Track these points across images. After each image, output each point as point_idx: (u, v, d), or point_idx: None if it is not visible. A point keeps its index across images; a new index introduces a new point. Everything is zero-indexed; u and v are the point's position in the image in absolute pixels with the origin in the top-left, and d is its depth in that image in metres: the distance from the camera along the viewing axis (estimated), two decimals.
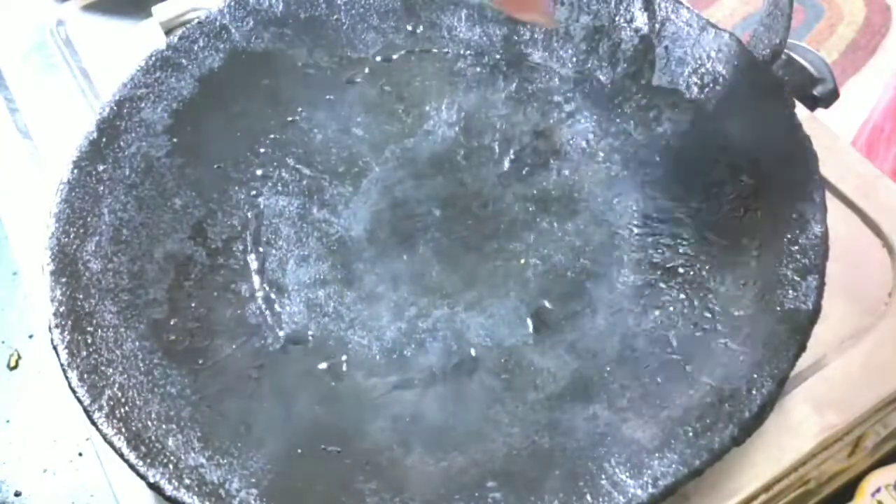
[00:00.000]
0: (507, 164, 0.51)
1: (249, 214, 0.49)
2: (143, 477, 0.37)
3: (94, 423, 0.39)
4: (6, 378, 0.61)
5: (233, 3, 0.54)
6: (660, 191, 0.47)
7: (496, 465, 0.38)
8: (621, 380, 0.41)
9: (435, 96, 0.53)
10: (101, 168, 0.47)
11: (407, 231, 0.48)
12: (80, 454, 0.57)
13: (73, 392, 0.40)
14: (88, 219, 0.46)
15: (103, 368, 0.40)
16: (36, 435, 0.58)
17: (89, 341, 0.41)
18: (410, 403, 0.42)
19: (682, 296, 0.43)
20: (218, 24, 0.53)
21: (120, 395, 0.40)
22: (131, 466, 0.37)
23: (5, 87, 0.59)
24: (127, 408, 0.39)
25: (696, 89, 0.48)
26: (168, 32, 0.56)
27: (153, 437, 0.38)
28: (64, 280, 0.43)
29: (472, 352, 0.44)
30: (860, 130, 0.79)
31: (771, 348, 0.39)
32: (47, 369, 0.62)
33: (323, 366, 0.44)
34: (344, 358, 0.44)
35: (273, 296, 0.46)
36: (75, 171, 0.47)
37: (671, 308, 0.43)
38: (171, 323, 0.44)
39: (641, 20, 0.51)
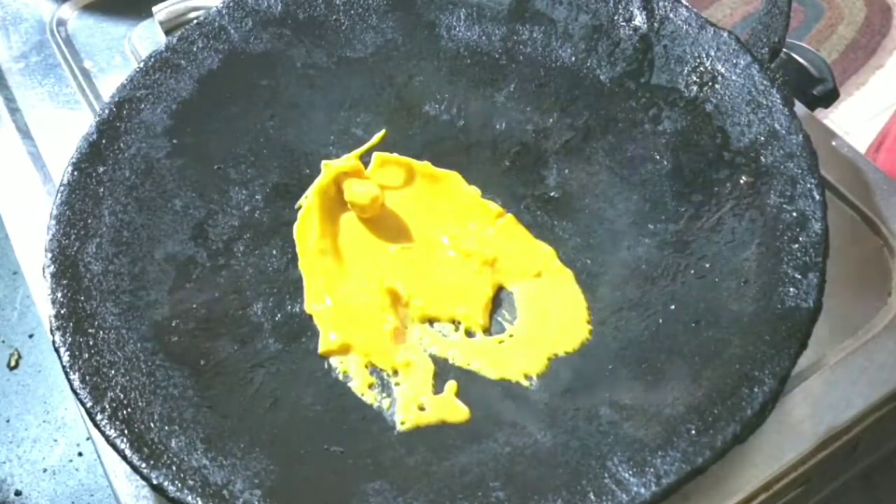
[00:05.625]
0: (507, 164, 0.51)
1: (250, 215, 0.49)
2: (146, 479, 0.37)
3: (96, 426, 0.39)
4: (6, 378, 0.61)
5: (231, 4, 0.54)
6: (659, 190, 0.48)
7: (499, 464, 0.38)
8: (623, 378, 0.41)
9: (435, 96, 0.53)
10: (101, 170, 0.47)
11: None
12: (80, 454, 0.58)
13: (76, 394, 0.40)
14: (89, 220, 0.46)
15: (105, 370, 0.40)
16: (36, 435, 0.58)
17: (91, 343, 0.41)
18: None
19: (683, 294, 0.43)
20: (217, 24, 0.53)
21: (122, 396, 0.40)
22: (135, 468, 0.37)
23: (5, 87, 0.59)
24: (129, 409, 0.39)
25: (695, 88, 0.48)
26: (168, 32, 0.56)
27: (156, 439, 0.38)
28: (65, 282, 0.43)
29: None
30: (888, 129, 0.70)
31: (772, 346, 0.39)
32: (47, 369, 0.62)
33: (326, 366, 0.44)
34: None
35: (275, 296, 0.46)
36: (75, 172, 0.47)
37: (672, 306, 0.43)
38: (173, 324, 0.44)
39: (640, 19, 0.51)
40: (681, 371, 0.40)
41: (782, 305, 0.40)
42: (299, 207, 0.49)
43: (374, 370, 0.44)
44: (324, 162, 0.50)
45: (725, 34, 0.49)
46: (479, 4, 0.55)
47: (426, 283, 0.46)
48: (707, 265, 0.44)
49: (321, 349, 0.44)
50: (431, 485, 0.38)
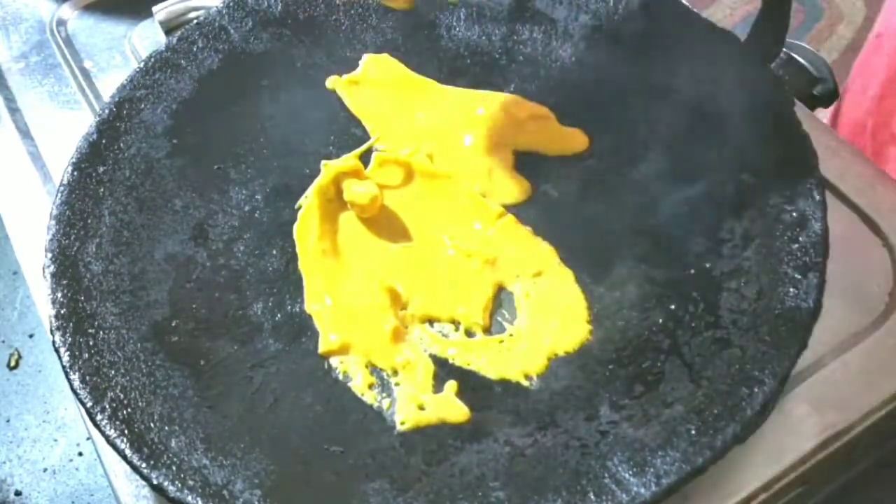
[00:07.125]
0: None
1: (250, 215, 0.49)
2: (146, 479, 0.37)
3: (96, 426, 0.39)
4: (6, 378, 0.61)
5: (231, 4, 0.54)
6: (660, 189, 0.48)
7: (499, 464, 0.38)
8: (623, 378, 0.41)
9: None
10: (101, 170, 0.48)
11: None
12: (80, 454, 0.58)
13: (76, 394, 0.40)
14: (89, 220, 0.46)
15: (105, 370, 0.41)
16: (36, 435, 0.58)
17: (91, 343, 0.41)
18: None
19: (683, 294, 0.43)
20: (217, 24, 0.54)
21: (122, 396, 0.40)
22: (135, 468, 0.37)
23: (5, 87, 0.59)
24: (129, 409, 0.39)
25: (695, 88, 0.49)
26: (168, 32, 0.56)
27: (156, 439, 0.38)
28: (65, 282, 0.43)
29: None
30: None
31: (772, 346, 0.39)
32: (47, 369, 0.62)
33: (326, 366, 0.44)
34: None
35: (275, 296, 0.46)
36: (75, 173, 0.47)
37: (671, 306, 0.43)
38: (173, 324, 0.44)
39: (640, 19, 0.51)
40: (680, 371, 0.40)
41: (782, 305, 0.40)
42: (299, 207, 0.49)
43: (374, 370, 0.44)
44: (323, 162, 0.50)
45: (726, 34, 0.49)
46: (479, 4, 0.55)
47: (426, 282, 0.46)
48: (707, 265, 0.44)
49: (321, 349, 0.44)
50: (431, 485, 0.38)
